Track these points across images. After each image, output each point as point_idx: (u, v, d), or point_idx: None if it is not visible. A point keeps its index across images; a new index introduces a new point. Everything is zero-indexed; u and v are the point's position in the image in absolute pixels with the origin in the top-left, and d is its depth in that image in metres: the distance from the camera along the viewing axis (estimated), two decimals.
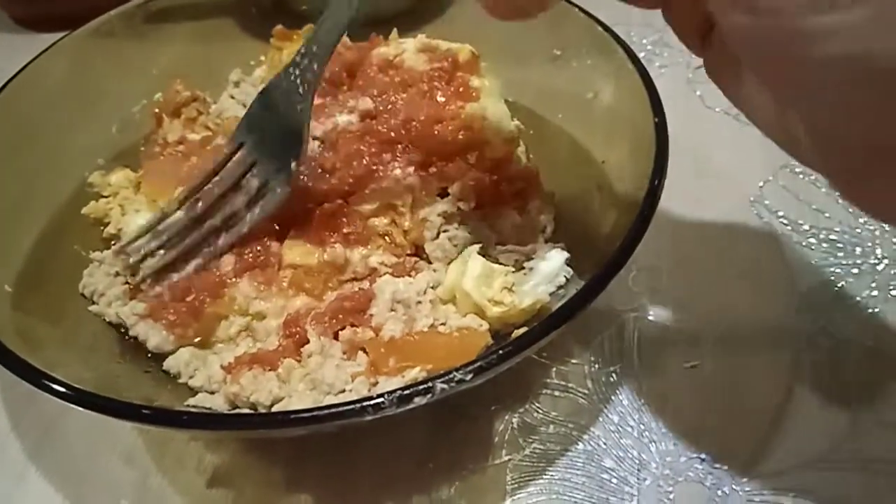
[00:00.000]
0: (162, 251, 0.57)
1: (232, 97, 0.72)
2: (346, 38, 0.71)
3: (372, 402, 0.40)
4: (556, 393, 0.55)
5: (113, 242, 0.61)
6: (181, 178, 0.62)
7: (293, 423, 0.41)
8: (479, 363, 0.41)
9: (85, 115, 0.68)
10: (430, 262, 0.58)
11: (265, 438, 0.54)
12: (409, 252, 0.57)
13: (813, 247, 0.63)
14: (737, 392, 0.54)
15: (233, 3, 0.80)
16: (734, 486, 0.49)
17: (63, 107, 0.66)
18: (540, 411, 0.54)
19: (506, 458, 0.52)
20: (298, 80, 0.55)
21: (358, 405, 0.40)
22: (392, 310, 0.53)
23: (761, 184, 0.68)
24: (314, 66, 0.54)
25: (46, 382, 0.43)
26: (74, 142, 0.66)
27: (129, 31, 0.73)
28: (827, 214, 0.65)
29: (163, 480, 0.52)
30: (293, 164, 0.55)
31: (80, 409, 0.42)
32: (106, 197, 0.65)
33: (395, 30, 0.68)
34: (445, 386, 0.40)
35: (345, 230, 0.56)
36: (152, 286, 0.56)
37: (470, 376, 0.41)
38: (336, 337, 0.52)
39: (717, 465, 0.50)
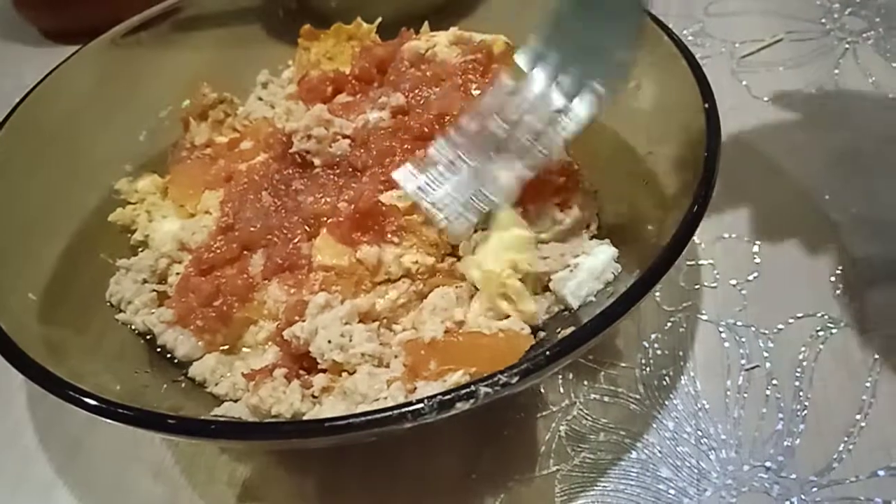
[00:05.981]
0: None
1: (260, 98, 0.70)
2: (376, 36, 0.69)
3: (411, 408, 0.37)
4: (606, 399, 0.52)
5: (140, 249, 0.60)
6: (208, 182, 0.60)
7: (327, 433, 0.38)
8: (525, 365, 0.38)
9: (111, 122, 0.66)
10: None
11: (298, 449, 0.51)
12: (446, 252, 0.54)
13: (871, 237, 0.59)
14: (803, 395, 0.50)
15: (258, 7, 0.79)
16: (803, 497, 0.45)
17: (88, 115, 0.65)
18: (589, 418, 0.51)
19: (554, 469, 0.48)
20: None
21: (396, 412, 0.37)
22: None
23: (815, 173, 0.64)
24: None
25: (72, 394, 0.41)
26: (101, 150, 0.65)
27: (155, 39, 0.72)
28: (886, 202, 0.61)
29: (193, 495, 0.50)
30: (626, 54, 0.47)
31: (107, 420, 0.40)
32: (133, 204, 0.63)
33: (426, 22, 0.66)
34: (489, 390, 0.37)
35: (377, 228, 0.53)
36: None
37: (516, 379, 0.38)
38: None
39: (784, 475, 0.46)
